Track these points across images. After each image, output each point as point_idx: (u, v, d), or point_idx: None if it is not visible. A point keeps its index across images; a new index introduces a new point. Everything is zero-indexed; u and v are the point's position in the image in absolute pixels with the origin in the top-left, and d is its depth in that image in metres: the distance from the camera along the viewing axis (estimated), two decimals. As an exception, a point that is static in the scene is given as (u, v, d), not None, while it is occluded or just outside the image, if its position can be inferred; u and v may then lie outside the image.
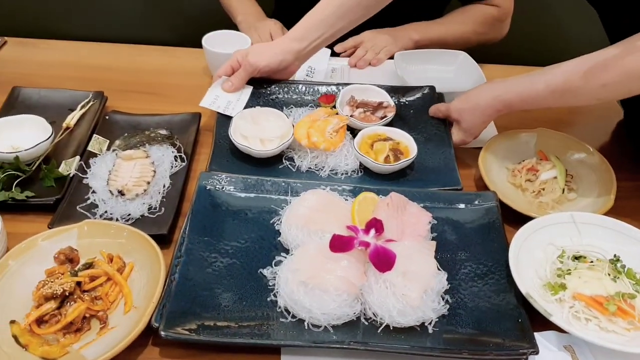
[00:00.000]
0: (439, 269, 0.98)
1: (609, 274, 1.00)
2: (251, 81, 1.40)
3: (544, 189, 1.22)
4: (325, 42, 1.36)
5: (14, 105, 1.36)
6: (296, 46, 1.34)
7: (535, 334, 0.92)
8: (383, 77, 1.60)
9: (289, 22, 1.74)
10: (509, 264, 0.99)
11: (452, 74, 1.60)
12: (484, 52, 1.71)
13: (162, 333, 0.85)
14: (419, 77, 1.56)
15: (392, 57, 1.61)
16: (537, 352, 0.89)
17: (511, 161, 1.30)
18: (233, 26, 1.66)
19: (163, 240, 1.05)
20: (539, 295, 0.97)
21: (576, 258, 1.04)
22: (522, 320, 0.94)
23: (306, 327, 0.90)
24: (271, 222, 1.09)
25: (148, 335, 0.91)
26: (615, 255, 1.03)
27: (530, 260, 1.04)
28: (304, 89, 1.43)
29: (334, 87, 1.43)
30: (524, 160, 1.29)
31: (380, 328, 0.91)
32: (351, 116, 1.30)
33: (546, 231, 1.08)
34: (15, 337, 0.88)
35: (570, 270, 1.01)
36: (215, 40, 1.51)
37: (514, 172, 1.27)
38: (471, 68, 1.55)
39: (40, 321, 0.91)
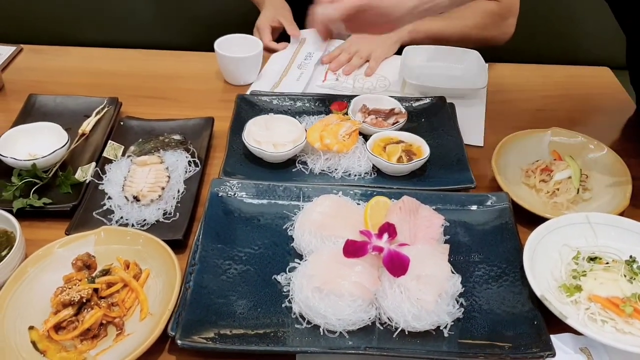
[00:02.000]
0: (452, 272, 0.98)
1: (625, 275, 0.99)
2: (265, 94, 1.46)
3: (558, 189, 1.21)
4: None
5: (31, 112, 1.38)
6: None
7: (551, 336, 0.92)
8: (389, 68, 1.62)
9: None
10: (524, 265, 0.98)
11: (459, 71, 1.59)
12: (495, 49, 1.70)
13: (179, 342, 0.86)
14: (423, 73, 1.56)
15: (399, 52, 1.61)
16: (553, 355, 0.88)
17: (525, 161, 1.29)
18: (245, 30, 1.66)
19: (178, 246, 1.06)
20: (554, 297, 0.97)
21: (591, 259, 1.03)
22: (537, 323, 0.93)
23: (321, 333, 0.91)
24: (284, 227, 1.09)
25: (164, 341, 0.92)
26: (631, 257, 1.02)
27: (545, 261, 1.03)
28: (315, 99, 1.44)
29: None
30: (537, 161, 1.28)
31: (396, 333, 0.91)
32: (363, 122, 1.31)
33: (561, 232, 1.07)
34: (33, 343, 0.90)
35: (585, 271, 1.00)
36: (227, 44, 1.52)
37: (527, 173, 1.26)
38: (479, 68, 1.55)
39: (58, 327, 0.92)
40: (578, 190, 1.20)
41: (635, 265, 1.01)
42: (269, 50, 1.66)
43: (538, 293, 0.95)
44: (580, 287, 0.98)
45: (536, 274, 0.98)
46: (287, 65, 1.61)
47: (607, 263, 1.02)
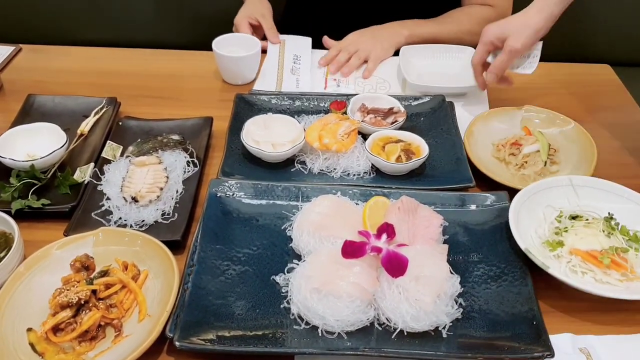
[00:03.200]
0: (451, 273, 0.98)
1: (604, 231, 1.06)
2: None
3: (526, 162, 1.25)
4: None
5: (29, 112, 1.38)
6: None
7: (550, 336, 0.91)
8: (389, 69, 1.62)
9: (299, 22, 1.74)
10: (509, 222, 1.03)
11: (457, 69, 1.59)
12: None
13: (177, 344, 0.86)
14: (422, 72, 1.56)
15: (397, 54, 1.60)
16: (552, 355, 0.88)
17: (497, 137, 1.34)
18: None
19: (177, 246, 1.06)
20: (538, 252, 1.02)
21: (573, 218, 1.09)
22: (537, 323, 0.93)
23: (320, 334, 0.91)
24: (282, 228, 1.09)
25: (162, 343, 0.91)
26: (609, 213, 1.09)
27: (529, 221, 1.10)
28: (313, 98, 1.44)
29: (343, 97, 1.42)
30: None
31: (395, 334, 0.91)
32: (362, 121, 1.30)
33: (545, 194, 1.13)
34: (31, 345, 0.90)
35: (567, 228, 1.07)
36: (225, 44, 1.52)
37: (498, 147, 1.31)
38: None
39: (56, 329, 0.92)
40: (545, 162, 1.24)
41: (613, 222, 1.07)
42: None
43: (522, 246, 1.00)
44: (562, 243, 1.05)
45: (521, 232, 1.04)
46: (278, 70, 1.59)
47: (588, 220, 1.08)
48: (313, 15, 1.76)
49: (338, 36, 1.67)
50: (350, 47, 1.63)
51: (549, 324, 0.93)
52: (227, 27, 1.66)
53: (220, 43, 1.51)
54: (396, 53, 1.63)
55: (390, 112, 1.34)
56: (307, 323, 0.92)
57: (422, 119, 1.39)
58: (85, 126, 1.33)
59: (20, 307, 0.94)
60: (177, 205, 1.14)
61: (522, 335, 0.92)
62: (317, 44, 1.68)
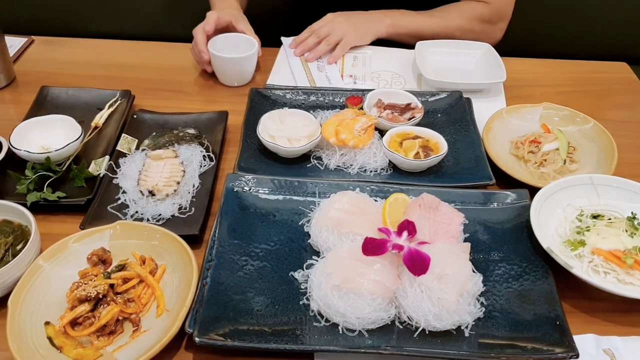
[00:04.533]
0: (474, 271, 0.96)
1: (627, 231, 1.04)
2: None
3: (545, 160, 1.24)
4: None
5: (43, 104, 1.37)
6: None
7: (574, 337, 0.90)
8: (404, 64, 1.60)
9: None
10: (530, 221, 1.02)
11: (473, 65, 1.58)
12: (510, 44, 1.68)
13: (197, 339, 0.85)
14: (438, 67, 1.55)
15: (413, 47, 1.58)
16: (577, 356, 0.87)
17: (516, 135, 1.32)
18: (259, 21, 1.63)
19: (194, 241, 1.05)
20: (559, 252, 1.01)
21: (594, 217, 1.08)
22: (560, 323, 0.92)
23: (340, 332, 0.90)
24: (300, 223, 1.08)
25: (180, 338, 0.91)
26: (632, 213, 1.07)
27: (550, 219, 1.09)
28: (329, 93, 1.42)
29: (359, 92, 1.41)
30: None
31: (416, 332, 0.90)
32: (379, 117, 1.29)
33: (565, 192, 1.12)
34: (50, 339, 0.89)
35: (589, 227, 1.05)
36: (221, 44, 1.47)
37: (517, 145, 1.29)
38: (493, 61, 1.54)
39: (74, 323, 0.91)
40: (565, 161, 1.23)
41: (636, 222, 1.06)
42: None
43: (544, 245, 0.99)
44: (584, 242, 1.03)
45: (542, 231, 1.02)
46: (304, 68, 1.56)
47: (610, 219, 1.07)
48: (319, 14, 1.74)
49: None
50: (322, 30, 1.57)
51: (571, 325, 0.92)
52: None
53: (215, 43, 1.47)
54: (409, 47, 1.61)
55: (407, 107, 1.33)
56: (327, 320, 0.91)
57: (439, 115, 1.38)
58: (99, 119, 1.32)
59: (38, 300, 0.93)
60: (194, 199, 1.13)
61: (546, 335, 0.90)
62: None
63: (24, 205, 1.04)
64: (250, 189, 1.12)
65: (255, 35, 1.54)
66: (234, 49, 1.47)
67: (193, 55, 1.54)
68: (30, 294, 0.93)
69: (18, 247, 0.99)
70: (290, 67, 1.57)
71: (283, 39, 1.65)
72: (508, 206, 1.11)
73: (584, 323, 0.97)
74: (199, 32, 1.49)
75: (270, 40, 1.63)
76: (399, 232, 0.96)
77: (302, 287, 0.97)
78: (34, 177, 1.12)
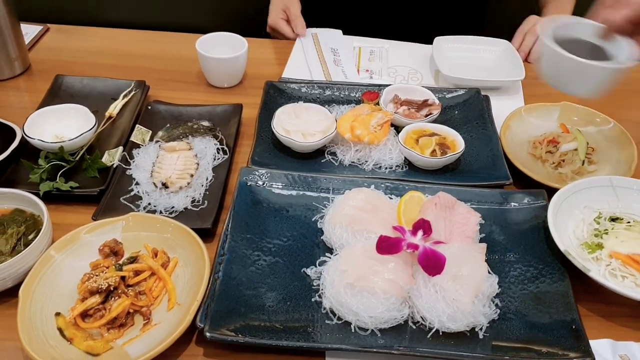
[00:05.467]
0: (489, 273, 0.95)
1: None
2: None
3: (563, 161, 1.22)
4: None
5: (57, 93, 1.37)
6: None
7: (590, 341, 0.88)
8: (421, 59, 1.59)
9: (313, 18, 1.70)
10: (548, 222, 1.00)
11: (491, 62, 1.56)
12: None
13: (208, 334, 0.84)
14: (455, 63, 1.53)
15: (430, 42, 1.57)
16: (593, 361, 0.85)
17: (534, 134, 1.30)
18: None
19: (207, 234, 1.05)
20: (577, 254, 0.98)
21: (613, 220, 1.06)
22: (576, 327, 0.90)
23: (352, 330, 0.89)
24: (313, 219, 1.07)
25: (191, 332, 0.90)
26: None
27: (567, 221, 1.07)
28: (345, 88, 1.41)
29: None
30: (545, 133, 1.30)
31: (430, 333, 0.88)
32: (395, 113, 1.27)
33: (583, 194, 1.10)
34: (60, 330, 0.88)
35: (607, 230, 1.03)
36: (211, 44, 1.44)
37: (534, 144, 1.27)
38: (513, 58, 1.52)
39: (84, 315, 0.91)
40: (583, 162, 1.21)
41: None
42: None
43: (562, 248, 0.97)
44: (602, 245, 1.01)
45: (559, 233, 1.00)
46: (321, 63, 1.55)
47: (629, 223, 1.04)
48: (334, 7, 1.73)
49: (359, 24, 1.64)
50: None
51: (587, 329, 0.90)
52: (256, 12, 1.63)
53: (205, 43, 1.43)
54: (426, 42, 1.59)
55: (424, 104, 1.31)
56: (339, 318, 0.90)
57: (456, 112, 1.36)
58: (113, 109, 1.31)
59: (49, 290, 0.92)
60: (207, 192, 1.12)
61: (561, 339, 0.89)
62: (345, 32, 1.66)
63: (37, 194, 1.04)
64: (263, 184, 1.11)
65: (302, 20, 1.63)
66: (224, 48, 1.44)
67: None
68: (42, 284, 0.92)
69: (30, 237, 0.98)
70: (306, 60, 1.55)
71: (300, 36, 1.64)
72: (525, 207, 1.10)
73: (600, 327, 0.95)
74: (278, 23, 1.63)
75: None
76: (414, 231, 0.95)
77: (315, 284, 0.96)
78: (47, 166, 1.12)
